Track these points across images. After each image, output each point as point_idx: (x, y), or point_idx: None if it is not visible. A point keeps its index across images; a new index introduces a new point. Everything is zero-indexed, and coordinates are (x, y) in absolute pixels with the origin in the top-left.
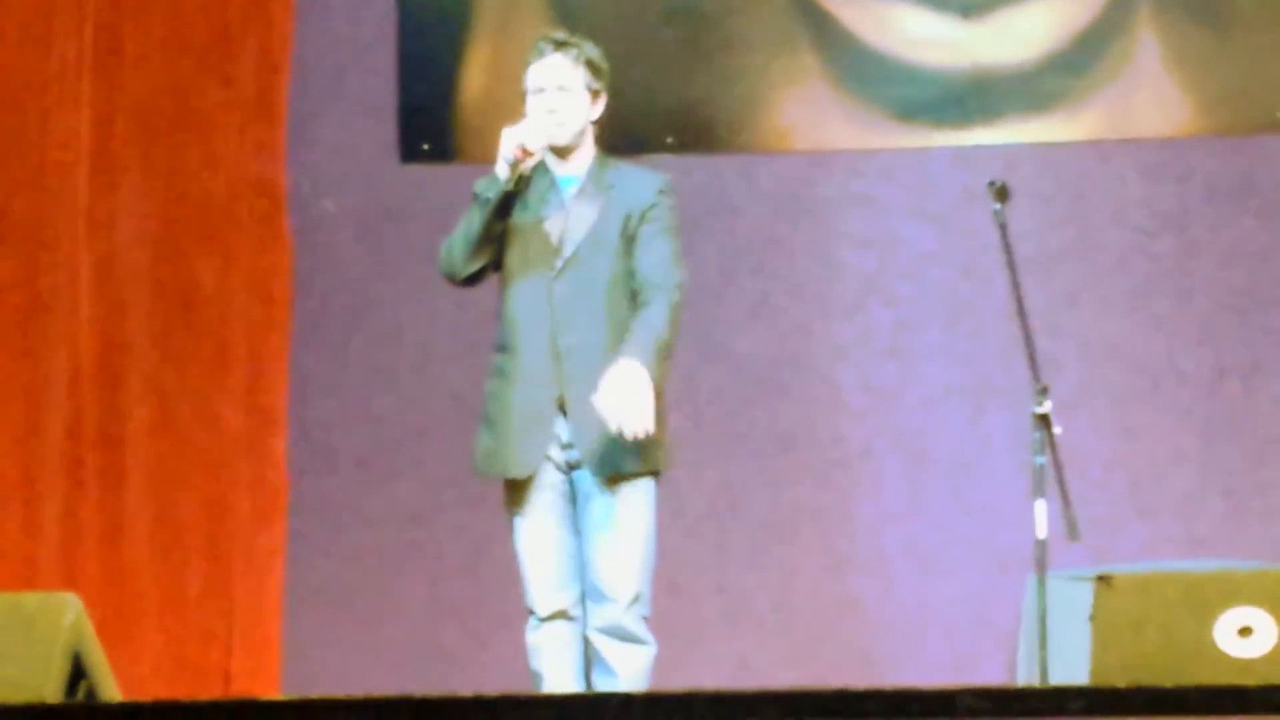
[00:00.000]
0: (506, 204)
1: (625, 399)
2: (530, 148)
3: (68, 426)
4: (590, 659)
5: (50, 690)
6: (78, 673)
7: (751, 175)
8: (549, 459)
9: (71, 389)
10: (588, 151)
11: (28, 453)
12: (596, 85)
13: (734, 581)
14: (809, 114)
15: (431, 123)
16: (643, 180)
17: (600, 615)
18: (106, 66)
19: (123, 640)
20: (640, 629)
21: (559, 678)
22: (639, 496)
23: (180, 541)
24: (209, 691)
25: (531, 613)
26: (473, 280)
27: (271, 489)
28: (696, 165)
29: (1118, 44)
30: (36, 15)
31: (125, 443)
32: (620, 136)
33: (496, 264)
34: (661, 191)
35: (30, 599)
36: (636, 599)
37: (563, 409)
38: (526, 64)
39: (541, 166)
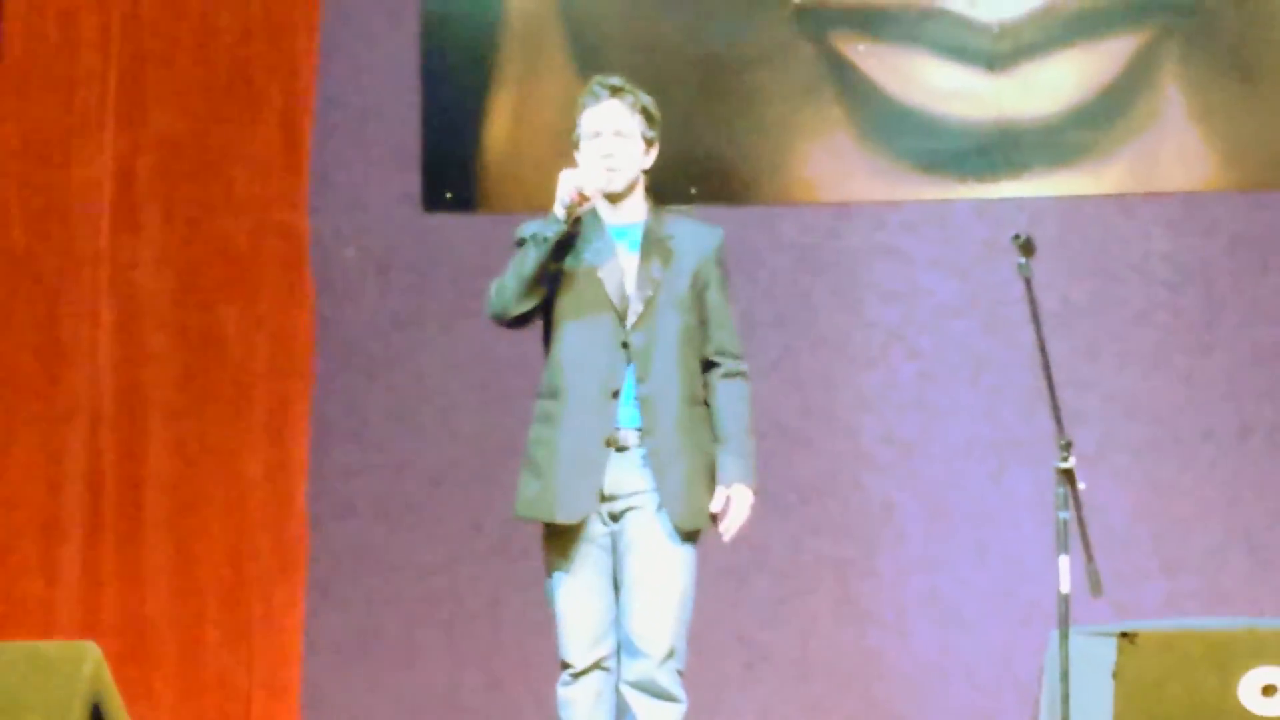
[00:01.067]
0: (561, 245)
1: (739, 519)
2: (587, 192)
3: (87, 473)
4: (620, 712)
5: None
6: None
7: (775, 227)
8: (592, 525)
9: (91, 435)
10: (639, 200)
11: (47, 499)
12: (651, 134)
13: (754, 633)
14: (833, 165)
15: (455, 172)
16: (703, 234)
17: (634, 669)
18: (130, 112)
19: (141, 689)
20: (674, 684)
21: None
22: (684, 554)
23: (200, 590)
24: None
25: (566, 666)
26: (520, 322)
27: (291, 537)
28: (719, 216)
29: (1143, 98)
30: (61, 60)
31: (145, 490)
32: None
33: (544, 309)
34: (722, 246)
35: (50, 648)
36: (671, 654)
37: (617, 451)
38: (581, 107)
39: (592, 213)
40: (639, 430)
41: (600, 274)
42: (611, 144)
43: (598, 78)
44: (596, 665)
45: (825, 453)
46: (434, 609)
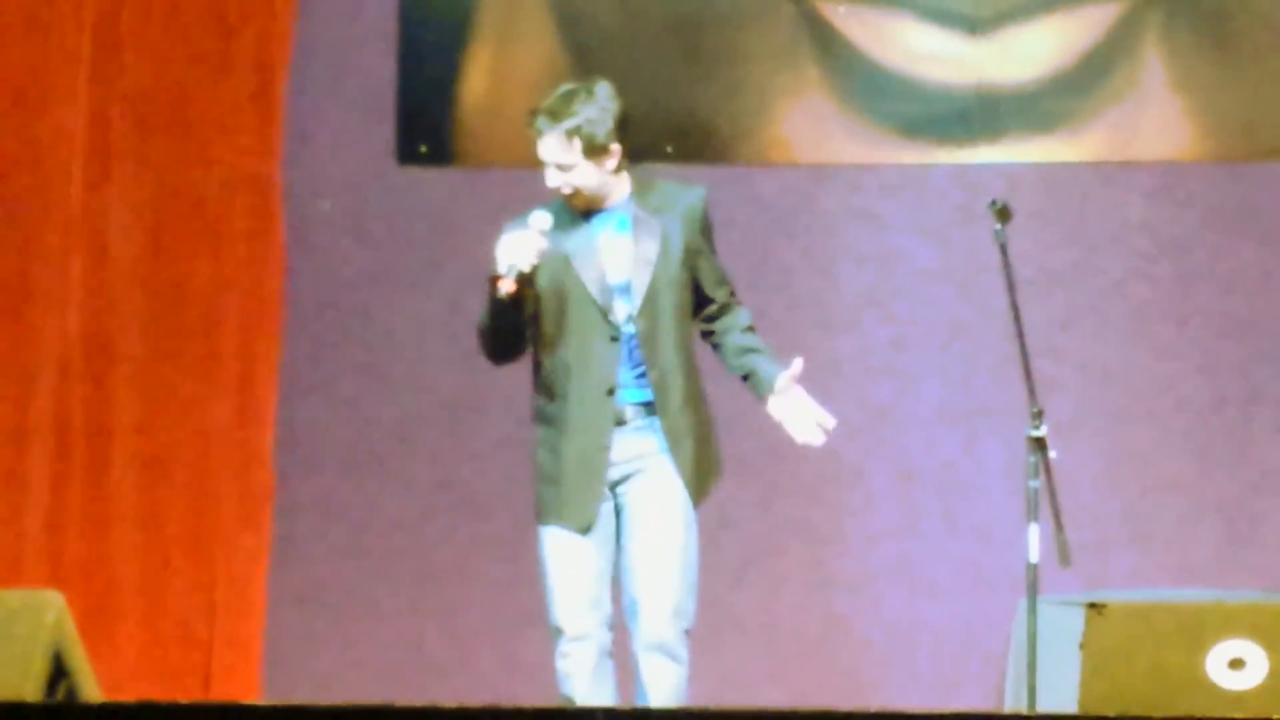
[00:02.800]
0: (515, 299)
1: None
2: (524, 268)
3: (54, 422)
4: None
5: (30, 689)
6: (58, 672)
7: (751, 187)
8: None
9: (59, 384)
10: (616, 186)
11: (13, 447)
12: (601, 142)
13: (721, 597)
14: (810, 127)
15: (430, 125)
16: (688, 197)
17: (644, 629)
18: (104, 59)
19: (104, 638)
20: (679, 644)
21: (591, 699)
22: (690, 516)
23: (164, 540)
24: (189, 693)
25: (559, 633)
26: (515, 357)
27: (258, 489)
28: (695, 176)
29: (1123, 66)
30: (37, 5)
31: (112, 439)
32: None
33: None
34: (706, 204)
35: (12, 596)
36: (679, 613)
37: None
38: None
39: (564, 205)
40: (642, 405)
41: (577, 267)
42: (557, 177)
43: (538, 103)
44: (591, 633)
45: None
46: (399, 564)
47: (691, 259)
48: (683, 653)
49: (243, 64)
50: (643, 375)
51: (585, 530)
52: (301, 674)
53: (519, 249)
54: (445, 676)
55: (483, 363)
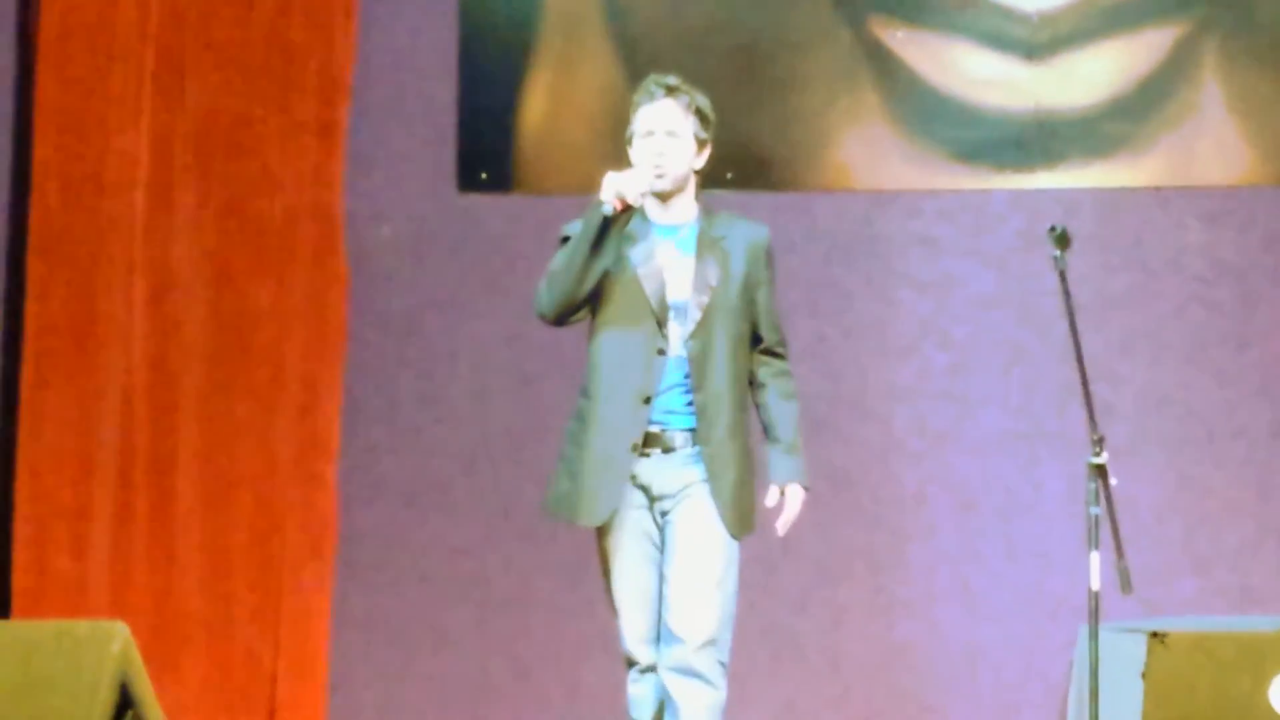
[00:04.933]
0: (603, 242)
1: (793, 516)
2: (629, 199)
3: (119, 450)
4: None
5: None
6: (124, 702)
7: (810, 214)
8: (639, 507)
9: (124, 412)
10: (690, 200)
11: (79, 476)
12: (704, 135)
13: (783, 623)
14: (869, 153)
15: (490, 152)
16: (753, 233)
17: (671, 654)
18: (167, 88)
19: (169, 667)
20: (712, 670)
21: None
22: (729, 548)
23: (229, 569)
24: None
25: (632, 663)
26: (565, 319)
27: (321, 517)
28: (755, 202)
29: (1182, 90)
30: (99, 35)
31: (176, 468)
32: None
33: (591, 308)
34: (771, 244)
35: (79, 627)
36: (712, 642)
37: (643, 454)
38: (635, 105)
39: (639, 213)
40: (690, 432)
41: (641, 274)
42: (663, 143)
43: (654, 75)
44: (652, 666)
45: (856, 442)
46: (463, 592)
47: (751, 291)
48: (717, 679)
49: (305, 92)
50: (691, 400)
51: (627, 526)
52: (366, 703)
53: (628, 180)
54: (509, 704)
55: (543, 388)
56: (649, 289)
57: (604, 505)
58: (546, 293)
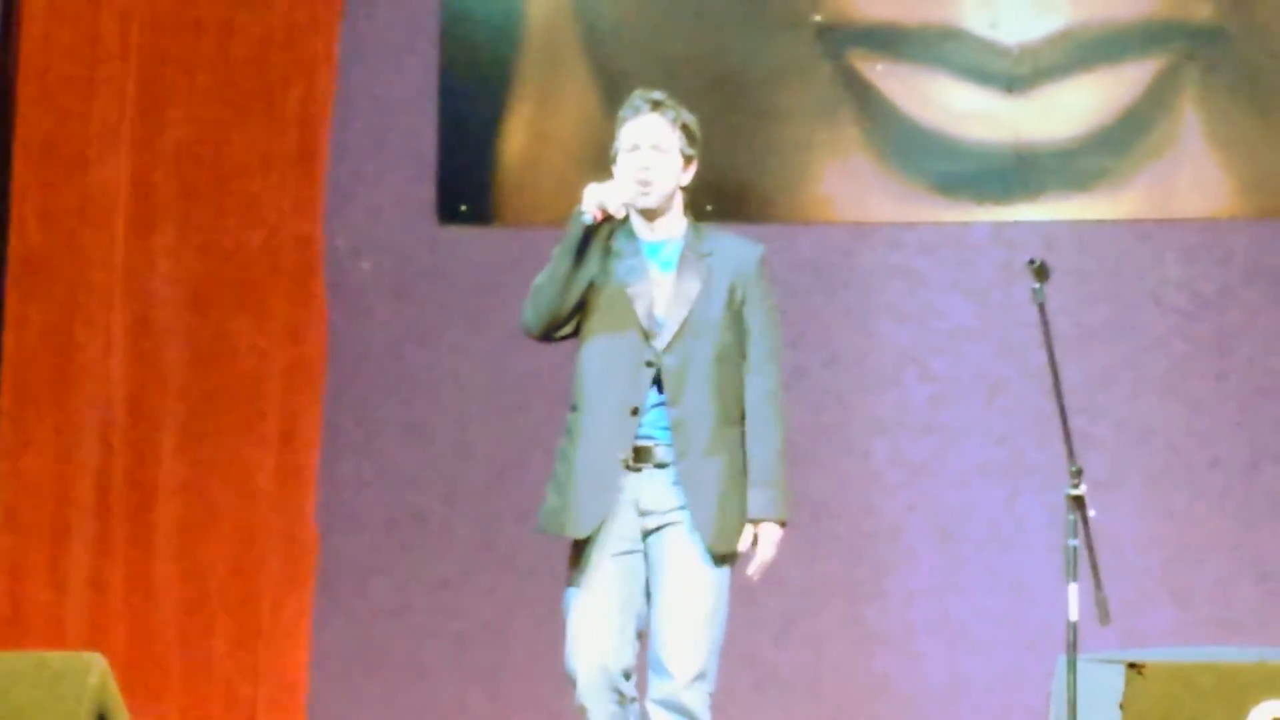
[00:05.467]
0: (586, 253)
1: (766, 558)
2: (610, 208)
3: (97, 481)
4: None
5: None
6: None
7: (791, 245)
8: (622, 527)
9: (102, 443)
10: (677, 217)
11: (57, 506)
12: (690, 151)
13: (762, 654)
14: (850, 185)
15: (470, 185)
16: (742, 249)
17: (660, 688)
18: (147, 120)
19: (148, 699)
20: (700, 707)
21: None
22: (716, 576)
23: (208, 599)
24: None
25: (572, 682)
26: (551, 333)
27: (301, 548)
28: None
29: (1161, 123)
30: (80, 65)
31: (155, 498)
32: None
33: (576, 327)
34: (762, 262)
35: (56, 659)
36: (701, 676)
37: (632, 469)
38: (620, 121)
39: (627, 230)
40: (673, 448)
41: (630, 291)
42: (649, 157)
43: (639, 91)
44: (606, 685)
45: (836, 473)
46: (442, 623)
47: (737, 307)
48: (704, 715)
49: (285, 125)
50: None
51: (599, 543)
52: None
53: (609, 190)
54: None
55: (524, 418)
56: (636, 303)
57: (591, 517)
58: (531, 307)
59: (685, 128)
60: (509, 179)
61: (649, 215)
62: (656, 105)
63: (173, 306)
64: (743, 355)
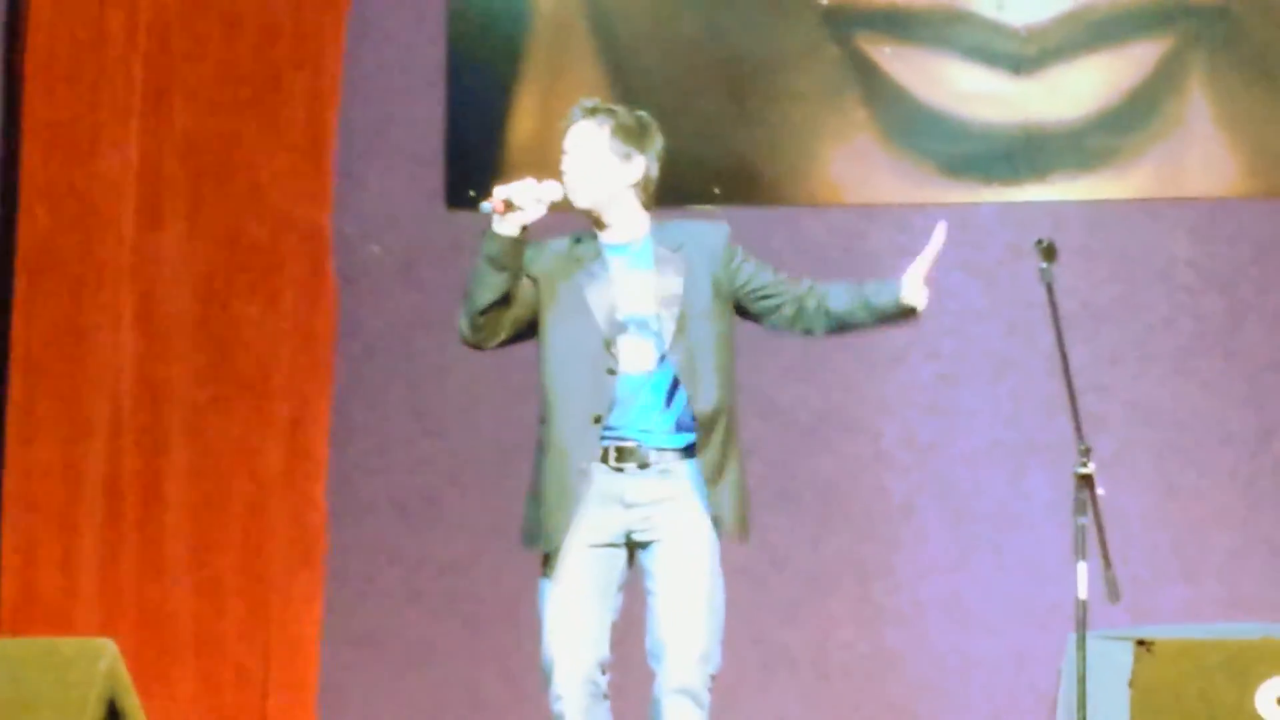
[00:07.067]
0: (514, 255)
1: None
2: (517, 203)
3: (107, 468)
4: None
5: None
6: (112, 719)
7: (798, 228)
8: (600, 520)
9: (112, 429)
10: (632, 217)
11: (67, 492)
12: (626, 149)
13: (772, 634)
14: (857, 168)
15: (479, 169)
16: (710, 234)
17: (669, 672)
18: (156, 106)
19: (159, 682)
20: (700, 687)
21: None
22: (715, 558)
23: (218, 585)
24: None
25: (550, 676)
26: (483, 336)
27: (310, 532)
28: (743, 217)
29: (1169, 103)
30: (87, 54)
31: (165, 483)
32: (667, 187)
33: (530, 330)
34: (730, 239)
35: (66, 644)
36: (704, 657)
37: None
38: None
39: (589, 234)
40: (674, 450)
41: (588, 296)
42: (569, 161)
43: (581, 99)
44: (582, 676)
45: (845, 454)
46: (452, 606)
47: (726, 287)
48: (706, 697)
49: (293, 111)
50: (674, 417)
51: (554, 550)
52: (356, 715)
53: (515, 188)
54: (498, 717)
55: (532, 404)
56: (596, 310)
57: (560, 530)
58: (461, 314)
59: (621, 129)
60: (517, 164)
61: (598, 221)
62: (590, 112)
63: (182, 293)
64: (767, 301)
